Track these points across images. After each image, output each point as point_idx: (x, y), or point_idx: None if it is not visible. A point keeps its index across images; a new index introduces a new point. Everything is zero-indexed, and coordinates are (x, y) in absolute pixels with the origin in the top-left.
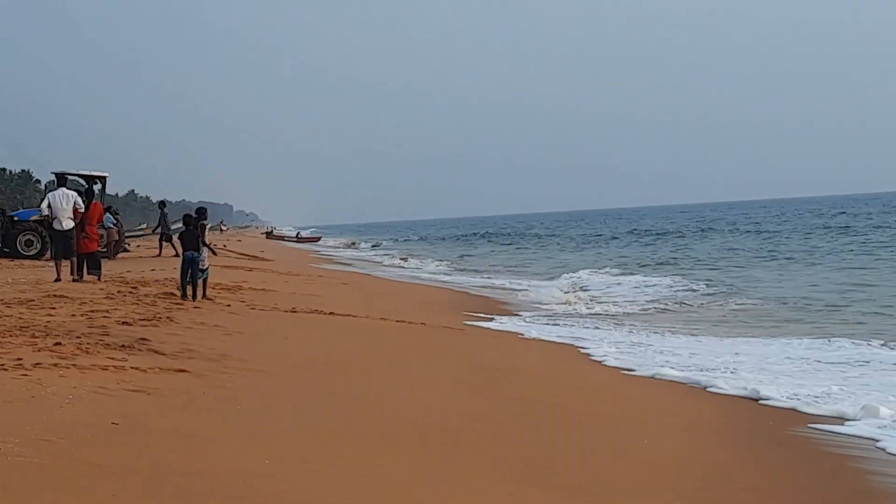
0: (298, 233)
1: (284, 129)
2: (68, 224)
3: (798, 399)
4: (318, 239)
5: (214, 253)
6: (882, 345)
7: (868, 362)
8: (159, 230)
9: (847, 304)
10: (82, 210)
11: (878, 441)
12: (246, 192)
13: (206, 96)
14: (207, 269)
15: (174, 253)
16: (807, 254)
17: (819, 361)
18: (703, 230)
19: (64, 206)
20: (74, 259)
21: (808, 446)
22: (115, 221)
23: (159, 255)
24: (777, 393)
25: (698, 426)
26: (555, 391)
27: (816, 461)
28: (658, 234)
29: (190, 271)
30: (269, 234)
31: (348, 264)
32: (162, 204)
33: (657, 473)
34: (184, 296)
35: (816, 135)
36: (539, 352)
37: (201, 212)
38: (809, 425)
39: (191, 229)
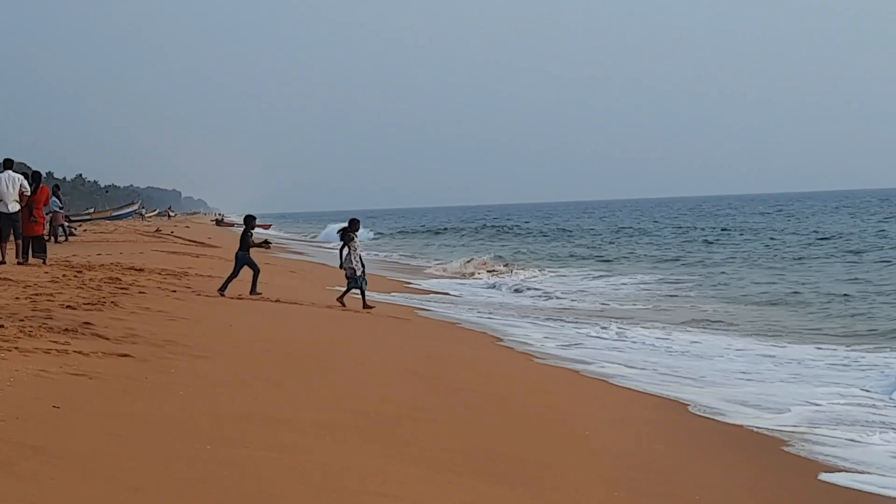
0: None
1: (235, 115)
2: (14, 207)
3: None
4: (269, 227)
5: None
6: None
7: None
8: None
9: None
10: (28, 193)
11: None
12: (195, 179)
13: (154, 80)
14: (360, 277)
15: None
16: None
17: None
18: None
19: (10, 189)
20: (20, 242)
21: (741, 440)
22: (60, 205)
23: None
24: None
25: (635, 419)
26: (497, 382)
27: (750, 454)
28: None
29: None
30: (219, 222)
31: (301, 253)
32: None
33: (596, 464)
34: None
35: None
36: (482, 342)
37: (354, 223)
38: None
39: (246, 230)
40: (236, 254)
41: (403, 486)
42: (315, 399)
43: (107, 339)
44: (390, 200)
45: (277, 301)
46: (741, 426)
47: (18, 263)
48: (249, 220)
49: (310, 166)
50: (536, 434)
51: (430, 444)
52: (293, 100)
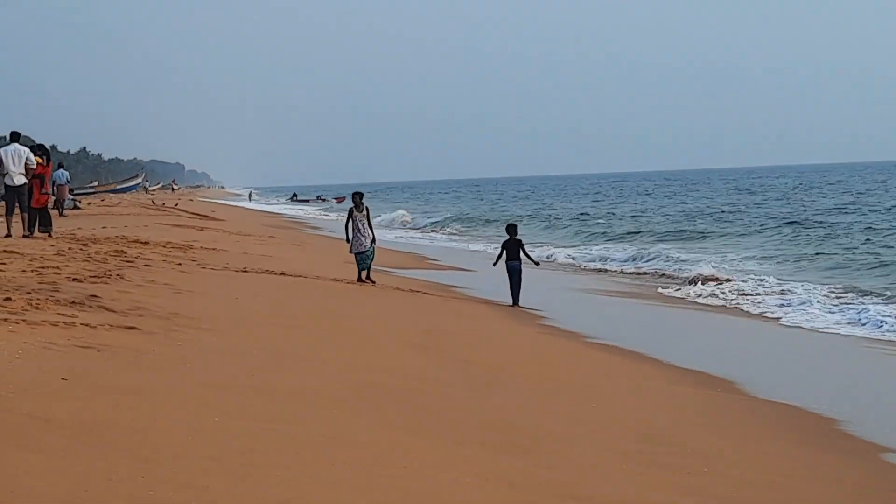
0: (320, 195)
1: (237, 88)
2: (19, 180)
3: None
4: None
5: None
6: None
7: None
8: None
9: None
10: (34, 167)
11: None
12: (198, 152)
13: (158, 54)
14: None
15: None
16: None
17: None
18: None
19: (16, 162)
20: (26, 215)
21: (752, 411)
22: (68, 178)
23: None
24: None
25: (644, 389)
26: (504, 354)
27: (759, 425)
28: None
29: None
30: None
31: (318, 227)
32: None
33: (604, 436)
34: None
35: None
36: (488, 315)
37: (512, 228)
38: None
39: (515, 239)
40: (508, 263)
41: (410, 457)
42: (321, 371)
43: (114, 311)
44: (393, 174)
45: (282, 274)
46: (760, 398)
47: (24, 237)
48: (511, 230)
49: (314, 139)
50: (543, 406)
51: (436, 415)
52: (295, 72)
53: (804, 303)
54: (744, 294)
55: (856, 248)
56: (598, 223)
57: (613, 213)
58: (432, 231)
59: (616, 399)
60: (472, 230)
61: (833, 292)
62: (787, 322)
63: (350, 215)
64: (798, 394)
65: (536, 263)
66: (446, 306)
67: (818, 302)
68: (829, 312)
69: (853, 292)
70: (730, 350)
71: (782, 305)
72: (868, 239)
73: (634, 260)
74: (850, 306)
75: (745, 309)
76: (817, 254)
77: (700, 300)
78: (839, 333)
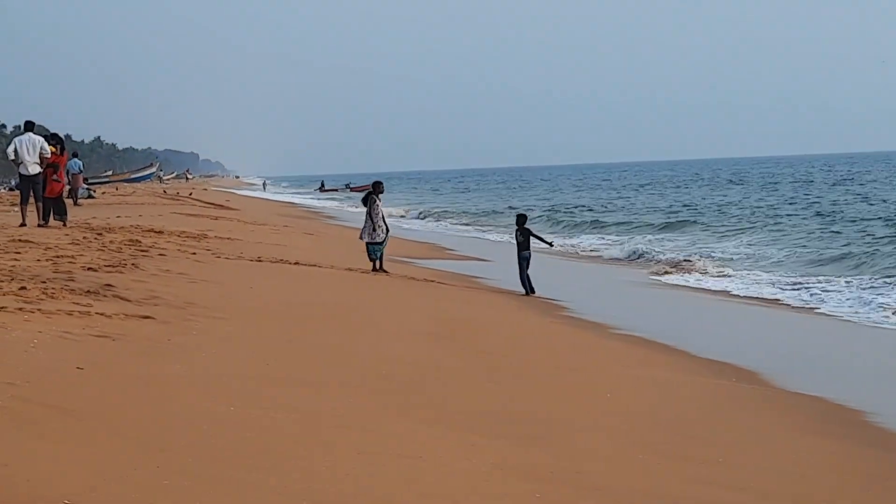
0: (348, 184)
1: (253, 78)
2: (34, 169)
3: None
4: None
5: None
6: None
7: None
8: None
9: None
10: (48, 156)
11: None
12: (212, 142)
13: (173, 43)
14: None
15: None
16: None
17: None
18: None
19: (30, 151)
20: (40, 204)
21: (774, 402)
22: (82, 167)
23: None
24: None
25: (660, 379)
26: (519, 344)
27: (780, 416)
28: None
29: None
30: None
31: (333, 217)
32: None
33: (620, 426)
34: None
35: None
36: (504, 304)
37: (521, 219)
38: None
39: (524, 228)
40: (519, 254)
41: (425, 447)
42: (336, 360)
43: (128, 300)
44: (406, 163)
45: (296, 263)
46: (783, 389)
47: (39, 226)
48: (521, 220)
49: (326, 127)
50: (559, 396)
51: (451, 405)
52: (308, 64)
53: (830, 292)
54: (767, 284)
55: (881, 238)
56: (601, 216)
57: (618, 205)
58: (440, 220)
59: (633, 389)
60: (479, 220)
61: (860, 281)
62: (814, 312)
63: (372, 203)
64: (824, 385)
65: (550, 244)
66: (462, 296)
67: (842, 292)
68: (855, 302)
69: (883, 280)
70: (753, 340)
71: (808, 296)
72: (863, 232)
73: (636, 255)
74: (879, 296)
75: (770, 298)
76: (836, 236)
77: (722, 290)
78: (866, 323)
